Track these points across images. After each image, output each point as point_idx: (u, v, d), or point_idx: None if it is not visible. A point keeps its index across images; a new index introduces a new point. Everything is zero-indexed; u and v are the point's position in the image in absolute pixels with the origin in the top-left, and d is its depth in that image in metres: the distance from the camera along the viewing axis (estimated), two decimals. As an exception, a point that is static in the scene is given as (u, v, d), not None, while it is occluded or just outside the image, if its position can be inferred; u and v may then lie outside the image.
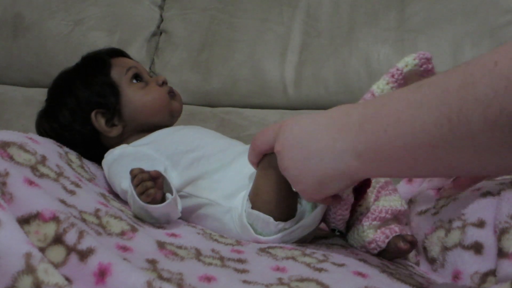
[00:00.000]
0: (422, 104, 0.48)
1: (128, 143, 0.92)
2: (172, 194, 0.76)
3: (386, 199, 0.75)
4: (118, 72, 0.96)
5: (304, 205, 0.75)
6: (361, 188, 0.73)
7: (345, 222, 0.76)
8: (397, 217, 0.76)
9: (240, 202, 0.77)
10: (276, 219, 0.73)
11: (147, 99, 0.95)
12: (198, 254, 0.64)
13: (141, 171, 0.74)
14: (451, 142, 0.46)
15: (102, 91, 0.94)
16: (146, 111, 0.95)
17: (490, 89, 0.42)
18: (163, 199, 0.75)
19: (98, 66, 0.96)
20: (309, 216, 0.74)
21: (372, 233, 0.74)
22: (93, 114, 0.93)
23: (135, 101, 0.94)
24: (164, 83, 0.98)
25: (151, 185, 0.73)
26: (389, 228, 0.74)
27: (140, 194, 0.72)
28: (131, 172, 0.74)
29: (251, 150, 0.72)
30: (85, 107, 0.93)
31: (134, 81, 0.96)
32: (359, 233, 0.75)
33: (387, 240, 0.73)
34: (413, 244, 0.73)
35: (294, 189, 0.66)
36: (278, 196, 0.73)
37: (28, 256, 0.48)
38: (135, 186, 0.73)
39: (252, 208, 0.74)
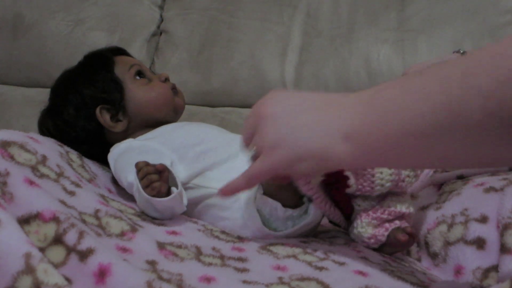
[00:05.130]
0: (422, 91, 0.47)
1: (133, 138, 0.93)
2: (177, 188, 0.76)
3: (393, 199, 0.73)
4: (122, 69, 0.97)
5: (306, 201, 0.75)
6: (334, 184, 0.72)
7: (340, 216, 0.76)
8: (401, 218, 0.76)
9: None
10: (284, 206, 0.74)
11: (152, 95, 0.96)
12: (198, 254, 0.64)
13: (147, 164, 0.75)
14: (448, 131, 0.45)
15: (106, 87, 0.95)
16: (150, 107, 0.96)
17: (492, 80, 0.41)
18: (168, 193, 0.75)
19: (102, 63, 0.98)
20: (310, 214, 0.75)
21: (372, 229, 0.73)
22: (98, 110, 0.94)
23: (139, 96, 0.96)
24: (167, 79, 1.00)
25: (156, 178, 0.73)
26: (389, 222, 0.73)
27: (145, 187, 0.73)
28: (137, 165, 0.75)
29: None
30: (90, 103, 0.94)
31: (138, 77, 0.98)
32: (358, 229, 0.75)
33: (386, 233, 0.73)
34: (412, 236, 0.73)
35: (259, 156, 0.59)
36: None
37: (28, 256, 0.48)
38: (140, 179, 0.73)
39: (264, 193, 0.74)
